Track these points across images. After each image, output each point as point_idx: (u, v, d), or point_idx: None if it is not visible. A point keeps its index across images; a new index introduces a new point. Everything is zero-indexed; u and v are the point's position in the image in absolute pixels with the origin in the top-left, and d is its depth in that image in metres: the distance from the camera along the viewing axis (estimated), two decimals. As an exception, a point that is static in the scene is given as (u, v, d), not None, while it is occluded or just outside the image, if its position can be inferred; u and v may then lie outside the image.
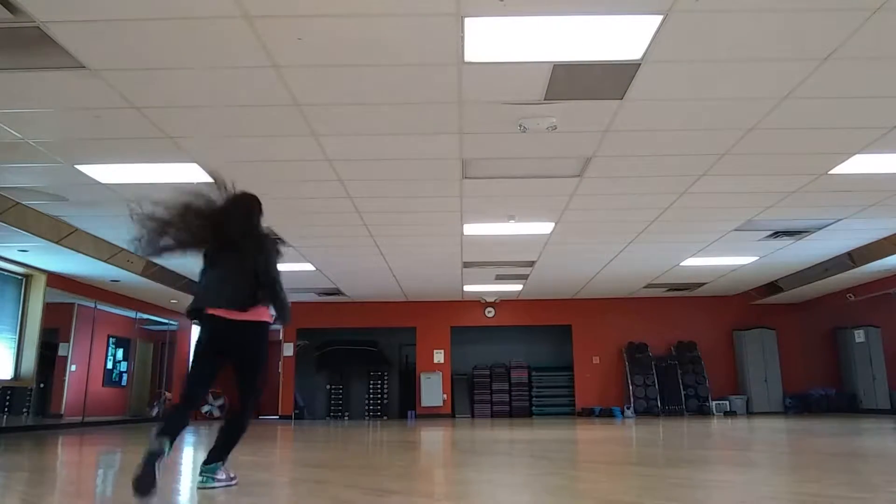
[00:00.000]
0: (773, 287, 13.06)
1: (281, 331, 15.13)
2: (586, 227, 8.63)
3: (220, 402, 15.99)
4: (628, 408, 14.00)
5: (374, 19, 3.78)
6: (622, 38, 4.03)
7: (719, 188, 6.92)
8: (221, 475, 3.62)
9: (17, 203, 7.16)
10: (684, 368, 14.23)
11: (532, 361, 15.10)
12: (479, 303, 14.90)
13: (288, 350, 14.85)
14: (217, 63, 4.24)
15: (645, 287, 13.37)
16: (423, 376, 14.57)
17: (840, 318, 13.17)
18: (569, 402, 14.65)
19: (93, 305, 11.84)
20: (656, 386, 14.08)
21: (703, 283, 13.04)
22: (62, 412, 11.40)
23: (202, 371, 3.87)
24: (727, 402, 13.88)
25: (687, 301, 14.58)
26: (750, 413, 13.79)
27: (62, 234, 8.14)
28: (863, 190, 7.03)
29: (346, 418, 15.11)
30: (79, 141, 5.51)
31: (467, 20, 3.80)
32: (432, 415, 14.42)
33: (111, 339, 12.93)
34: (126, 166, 6.12)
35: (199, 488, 3.52)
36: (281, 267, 3.87)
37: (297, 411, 14.80)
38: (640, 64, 4.31)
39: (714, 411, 13.79)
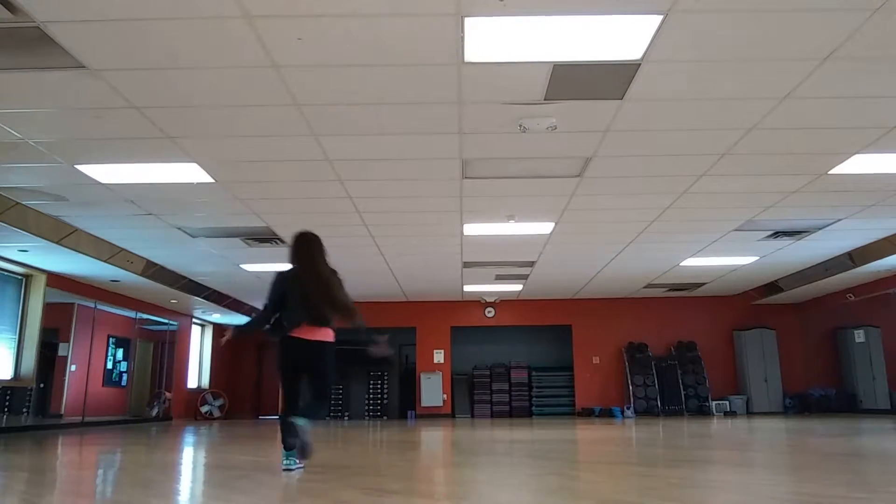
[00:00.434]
0: (773, 287, 13.06)
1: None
2: (586, 227, 8.63)
3: (219, 402, 16.00)
4: (628, 408, 14.00)
5: (374, 19, 3.78)
6: (622, 38, 4.03)
7: (719, 188, 6.92)
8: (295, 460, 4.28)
9: (17, 203, 7.16)
10: (684, 368, 14.23)
11: (532, 361, 15.11)
12: (479, 303, 14.90)
13: (288, 350, 14.80)
14: (217, 63, 4.24)
15: (645, 287, 13.37)
16: (423, 376, 14.57)
17: (840, 318, 13.17)
18: (569, 402, 14.66)
19: (93, 305, 11.84)
20: (656, 386, 14.08)
21: (703, 283, 13.04)
22: (62, 412, 11.40)
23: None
24: (727, 403, 13.88)
25: (687, 301, 14.58)
26: (750, 413, 13.80)
27: (62, 234, 8.14)
28: (863, 190, 7.03)
29: (346, 418, 15.11)
30: (79, 141, 5.51)
31: (467, 20, 3.80)
32: (432, 415, 14.43)
33: (111, 339, 12.93)
34: (126, 166, 6.12)
35: (283, 470, 4.16)
36: (285, 267, 4.57)
37: (297, 411, 14.77)
38: (640, 64, 4.31)
39: (714, 411, 13.80)
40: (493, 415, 14.65)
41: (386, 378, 15.33)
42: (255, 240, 9.01)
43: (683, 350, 14.44)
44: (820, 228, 8.64)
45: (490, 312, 14.97)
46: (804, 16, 3.79)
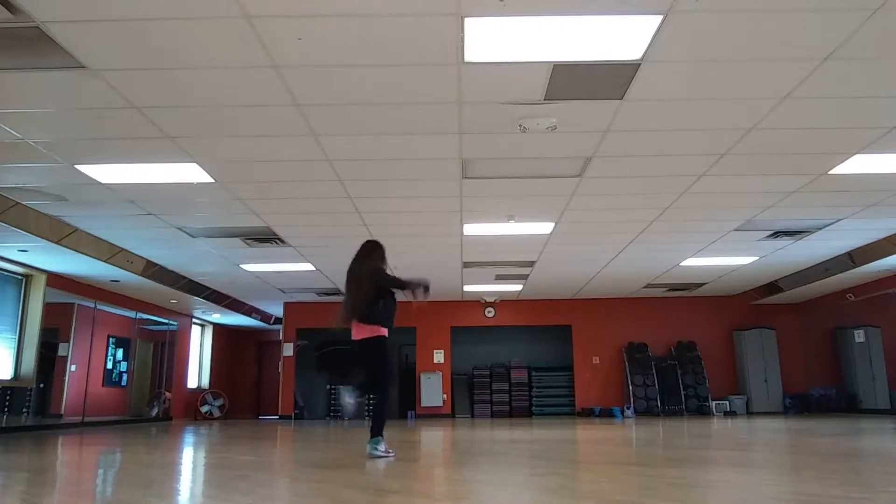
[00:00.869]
0: (773, 287, 13.06)
1: (281, 331, 15.15)
2: (586, 227, 8.63)
3: (219, 402, 16.00)
4: (628, 408, 14.00)
5: (374, 19, 3.79)
6: (622, 38, 4.03)
7: (719, 188, 6.93)
8: (382, 447, 4.97)
9: (17, 203, 7.16)
10: (684, 368, 14.23)
11: (532, 361, 15.11)
12: (479, 303, 14.90)
13: (288, 350, 14.85)
14: (217, 63, 4.24)
15: (645, 287, 13.37)
16: (423, 376, 14.57)
17: (840, 318, 13.18)
18: (569, 402, 14.66)
19: (93, 305, 11.85)
20: (656, 386, 14.08)
21: (703, 283, 13.04)
22: (62, 412, 11.41)
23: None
24: (727, 402, 13.88)
25: (687, 301, 14.59)
26: (750, 413, 13.80)
27: (62, 234, 8.15)
28: (863, 190, 7.03)
29: (346, 418, 15.10)
30: (79, 141, 5.51)
31: (467, 20, 3.80)
32: (432, 415, 14.43)
33: (111, 339, 12.94)
34: (126, 166, 6.12)
35: (368, 456, 4.83)
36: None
37: (297, 411, 14.80)
38: (640, 64, 4.31)
39: (714, 411, 13.80)
40: (493, 415, 14.65)
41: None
42: (255, 240, 9.02)
43: (683, 350, 14.44)
44: (820, 228, 8.64)
45: (490, 312, 14.97)
46: (804, 16, 3.79)
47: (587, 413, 14.18)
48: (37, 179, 6.46)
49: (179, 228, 8.36)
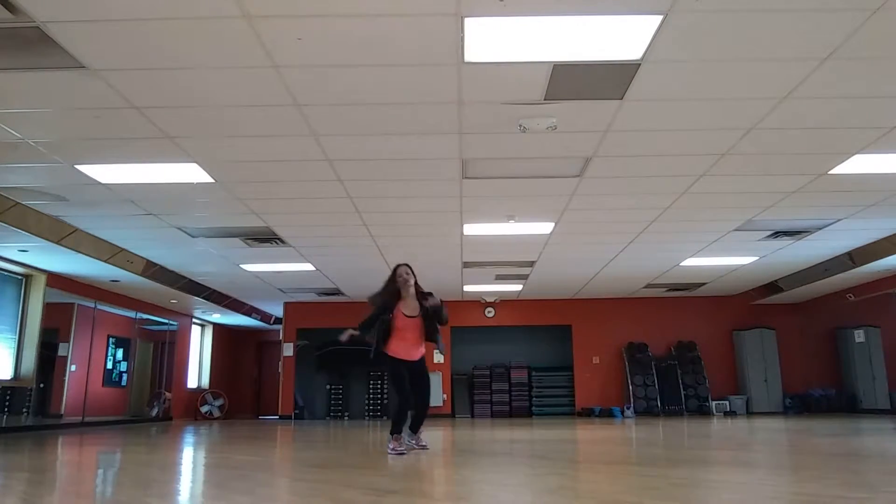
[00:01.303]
0: (773, 287, 13.06)
1: (281, 331, 15.14)
2: (586, 227, 8.63)
3: (219, 402, 16.00)
4: (628, 408, 14.00)
5: (373, 19, 3.78)
6: (622, 38, 4.03)
7: (719, 188, 6.93)
8: (422, 440, 5.84)
9: (17, 203, 7.16)
10: (684, 368, 14.23)
11: (532, 361, 15.11)
12: (479, 303, 14.90)
13: (288, 350, 14.85)
14: (217, 63, 4.24)
15: (645, 287, 13.37)
16: (422, 376, 14.54)
17: (840, 318, 13.17)
18: (569, 402, 14.66)
19: (93, 305, 11.84)
20: (656, 386, 14.08)
21: (703, 283, 13.04)
22: (62, 412, 11.41)
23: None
24: (727, 403, 13.88)
25: (687, 301, 14.58)
26: (750, 413, 13.79)
27: (62, 234, 8.15)
28: (863, 190, 7.03)
29: (346, 418, 15.11)
30: (79, 141, 5.51)
31: (467, 20, 3.80)
32: (432, 415, 14.39)
33: (111, 339, 12.94)
34: (126, 166, 6.12)
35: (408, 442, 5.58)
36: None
37: (297, 411, 14.81)
38: (640, 64, 4.31)
39: (714, 411, 13.80)
40: (493, 415, 14.65)
41: (386, 378, 15.32)
42: (255, 240, 9.02)
43: (683, 350, 14.44)
44: (820, 228, 8.64)
45: (490, 312, 14.97)
46: (804, 16, 3.79)
47: (587, 413, 14.18)
48: (37, 179, 6.46)
49: (179, 228, 8.36)
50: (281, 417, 14.74)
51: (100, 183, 6.48)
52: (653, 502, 2.97)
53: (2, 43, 3.94)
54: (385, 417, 14.97)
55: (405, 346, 5.63)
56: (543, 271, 11.48)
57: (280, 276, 11.78)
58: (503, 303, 14.92)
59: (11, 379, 9.66)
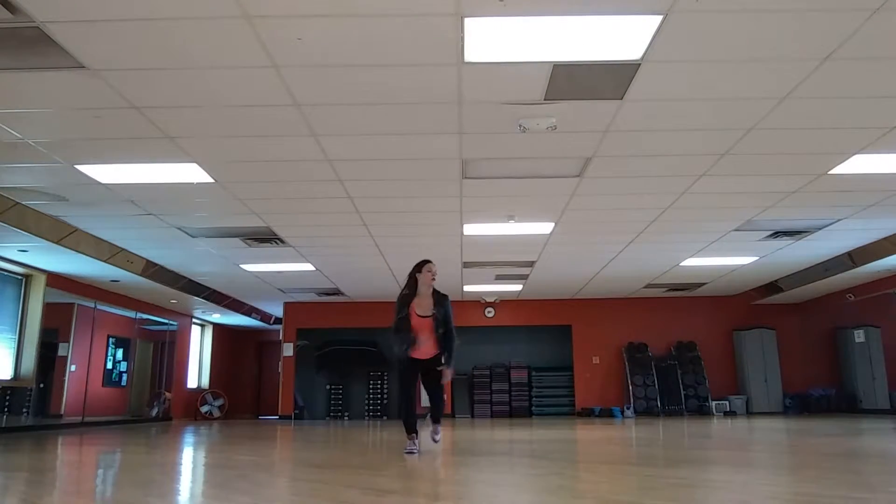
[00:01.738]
0: (773, 287, 13.06)
1: (281, 331, 15.15)
2: (586, 227, 8.63)
3: (219, 402, 16.00)
4: (628, 408, 14.00)
5: (373, 19, 3.78)
6: (622, 38, 4.03)
7: (719, 188, 6.92)
8: (438, 433, 5.87)
9: (17, 203, 7.16)
10: (684, 368, 14.23)
11: (532, 361, 15.11)
12: (479, 303, 14.90)
13: (288, 350, 14.84)
14: (217, 63, 4.24)
15: (645, 287, 13.37)
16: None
17: (840, 318, 13.17)
18: (569, 402, 14.66)
19: (93, 305, 11.84)
20: (656, 386, 14.08)
21: (703, 283, 13.04)
22: (62, 412, 11.40)
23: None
24: (727, 402, 13.88)
25: (687, 301, 14.58)
26: (750, 413, 13.80)
27: (62, 234, 8.14)
28: (863, 190, 7.03)
29: (346, 418, 15.11)
30: (79, 141, 5.51)
31: (467, 20, 3.80)
32: (432, 415, 14.41)
33: (111, 339, 12.93)
34: (126, 166, 6.12)
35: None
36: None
37: (297, 411, 14.81)
38: (640, 64, 4.31)
39: (714, 411, 13.80)
40: (493, 415, 14.65)
41: (386, 378, 15.34)
42: (255, 240, 9.02)
43: (683, 350, 14.44)
44: (820, 228, 8.64)
45: (490, 312, 14.97)
46: (804, 16, 3.79)
47: (587, 413, 14.17)
48: (37, 179, 6.46)
49: (179, 228, 8.36)
50: (281, 417, 14.74)
51: (100, 183, 6.48)
52: (653, 502, 2.97)
53: (2, 43, 3.94)
54: (385, 417, 14.98)
55: (417, 344, 5.48)
56: (543, 271, 11.48)
57: (280, 276, 11.78)
58: (503, 303, 14.92)
59: (11, 379, 9.66)
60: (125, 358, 13.40)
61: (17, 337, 9.73)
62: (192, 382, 16.25)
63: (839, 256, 10.40)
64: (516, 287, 13.27)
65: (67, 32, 3.86)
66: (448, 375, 5.55)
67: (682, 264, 11.05)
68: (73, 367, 11.65)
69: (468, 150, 5.84)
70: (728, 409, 13.80)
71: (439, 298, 5.58)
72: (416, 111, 5.02)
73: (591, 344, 14.69)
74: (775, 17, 3.80)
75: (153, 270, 10.52)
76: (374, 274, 11.43)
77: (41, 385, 10.59)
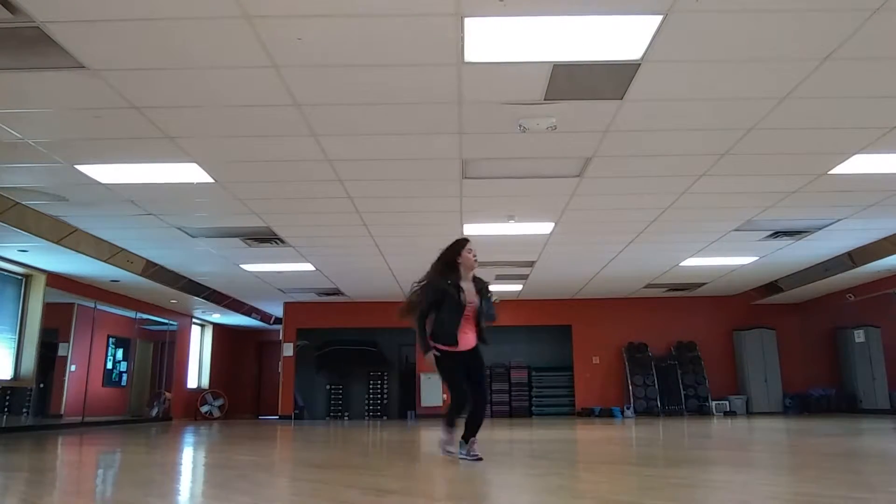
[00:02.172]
0: (773, 287, 13.06)
1: (281, 331, 15.14)
2: (586, 227, 8.63)
3: (219, 402, 16.00)
4: (628, 408, 14.00)
5: (373, 19, 3.78)
6: (622, 38, 4.03)
7: (719, 188, 6.92)
8: (464, 450, 4.72)
9: (17, 203, 7.16)
10: (684, 368, 14.23)
11: (532, 361, 15.11)
12: (478, 303, 14.86)
13: (288, 350, 14.84)
14: (217, 63, 4.24)
15: (645, 287, 13.37)
16: (423, 376, 14.57)
17: (840, 318, 13.17)
18: (569, 402, 14.66)
19: (93, 305, 11.84)
20: (656, 386, 14.08)
21: (703, 283, 13.04)
22: (62, 412, 11.40)
23: None
24: (727, 402, 13.88)
25: (687, 301, 14.58)
26: (749, 413, 13.80)
27: (62, 234, 8.14)
28: (863, 190, 7.03)
29: (346, 418, 15.11)
30: (79, 141, 5.51)
31: (467, 20, 3.80)
32: (432, 415, 14.42)
33: (111, 339, 12.93)
34: (126, 166, 6.12)
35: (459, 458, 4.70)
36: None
37: (297, 411, 14.81)
38: (640, 64, 4.31)
39: (714, 411, 13.80)
40: (493, 415, 14.64)
41: (386, 378, 15.34)
42: (255, 240, 9.02)
43: (683, 350, 14.44)
44: (820, 228, 8.64)
45: (490, 312, 14.93)
46: (804, 16, 3.79)
47: (587, 413, 14.17)
48: (37, 179, 6.46)
49: (179, 228, 8.35)
50: (281, 417, 14.74)
51: (100, 183, 6.48)
52: (653, 502, 2.97)
53: (2, 43, 3.94)
54: (385, 417, 14.98)
55: (461, 334, 4.77)
56: (543, 271, 11.48)
57: (280, 276, 11.78)
58: (503, 303, 14.86)
59: (11, 379, 9.66)
60: (125, 358, 13.40)
61: (17, 337, 9.73)
62: (192, 382, 16.25)
63: (839, 256, 10.40)
64: (516, 287, 13.27)
65: (67, 32, 3.86)
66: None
67: (682, 264, 11.05)
68: (73, 367, 11.65)
69: (468, 150, 5.84)
70: (728, 409, 13.80)
71: (481, 285, 4.93)
72: (416, 111, 5.02)
73: (591, 344, 14.68)
74: (775, 17, 3.80)
75: (153, 270, 10.52)
76: (374, 274, 11.43)
77: (41, 385, 10.59)
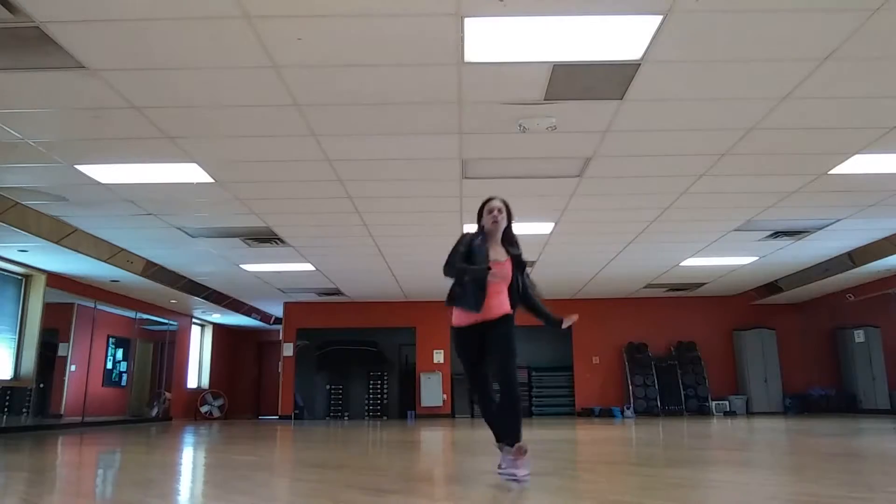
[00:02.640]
0: (773, 287, 13.06)
1: (281, 331, 15.14)
2: (586, 227, 8.63)
3: (219, 402, 16.00)
4: (628, 408, 14.00)
5: (374, 19, 3.79)
6: (622, 38, 4.03)
7: (719, 188, 6.92)
8: (519, 466, 3.65)
9: (17, 203, 7.16)
10: (684, 368, 14.23)
11: (532, 361, 15.09)
12: (478, 303, 14.86)
13: (288, 350, 14.84)
14: (217, 63, 4.24)
15: (645, 287, 13.37)
16: (422, 376, 14.57)
17: (840, 318, 13.17)
18: (569, 402, 14.65)
19: (93, 305, 11.84)
20: (656, 386, 14.08)
21: (703, 283, 13.04)
22: (62, 412, 11.40)
23: None
24: (727, 403, 13.88)
25: (687, 301, 14.58)
26: (749, 413, 13.80)
27: (62, 234, 8.14)
28: (863, 190, 7.03)
29: (345, 418, 15.11)
30: (79, 141, 5.51)
31: (467, 20, 3.80)
32: (432, 415, 14.42)
33: (111, 339, 12.93)
34: (126, 166, 6.12)
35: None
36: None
37: (296, 411, 14.81)
38: (640, 64, 4.31)
39: (714, 411, 13.80)
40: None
41: (386, 378, 15.34)
42: (255, 240, 9.02)
43: (683, 350, 14.44)
44: (820, 228, 8.64)
45: (490, 312, 14.93)
46: (804, 16, 3.79)
47: (587, 413, 14.17)
48: (37, 179, 6.46)
49: (179, 228, 8.35)
50: (281, 417, 14.74)
51: (100, 183, 6.48)
52: (653, 502, 2.97)
53: (2, 43, 3.94)
54: (385, 417, 14.98)
55: (487, 299, 3.90)
56: (543, 271, 11.47)
57: (280, 276, 11.78)
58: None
59: (11, 379, 9.65)
60: (125, 358, 13.39)
61: (17, 337, 9.72)
62: (191, 382, 16.25)
63: (839, 256, 10.40)
64: (516, 287, 13.24)
65: (67, 32, 3.86)
66: (573, 318, 4.22)
67: (682, 264, 11.05)
68: (72, 367, 11.65)
69: (468, 150, 5.84)
70: (728, 410, 13.80)
71: (519, 261, 4.12)
72: (416, 111, 5.02)
73: (591, 344, 14.68)
74: (775, 17, 3.80)
75: (153, 270, 10.52)
76: (374, 274, 11.43)
77: (41, 385, 10.58)
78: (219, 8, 3.64)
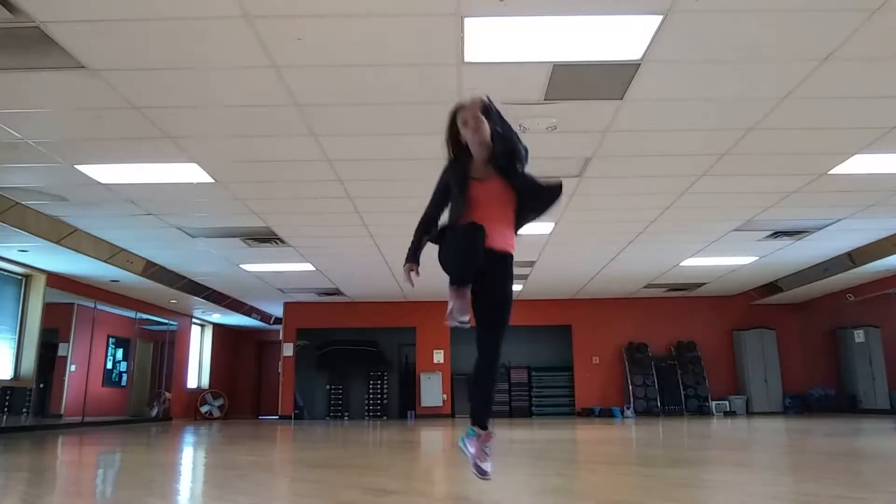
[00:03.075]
0: (773, 287, 13.06)
1: (281, 331, 15.14)
2: (586, 227, 8.63)
3: (219, 402, 16.00)
4: (628, 408, 14.00)
5: (374, 19, 3.79)
6: (622, 38, 4.03)
7: (719, 188, 6.92)
8: (471, 446, 3.12)
9: (17, 203, 7.16)
10: (684, 368, 14.23)
11: (532, 361, 15.09)
12: (479, 303, 14.85)
13: (288, 350, 14.84)
14: (217, 63, 4.24)
15: (645, 287, 13.36)
16: (422, 376, 14.57)
17: (840, 318, 13.17)
18: (569, 402, 14.65)
19: (92, 305, 11.84)
20: (656, 386, 14.08)
21: (703, 283, 13.04)
22: (62, 412, 11.40)
23: None
24: (727, 403, 13.88)
25: (687, 301, 14.57)
26: (749, 413, 13.80)
27: (62, 234, 8.14)
28: (863, 190, 7.02)
29: (345, 418, 15.11)
30: (79, 141, 5.51)
31: (467, 20, 3.80)
32: (432, 415, 14.42)
33: (111, 339, 12.93)
34: (126, 166, 6.12)
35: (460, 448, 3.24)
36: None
37: (296, 411, 14.80)
38: (640, 64, 4.31)
39: (714, 411, 13.80)
40: (493, 415, 14.62)
41: (386, 378, 15.34)
42: (255, 240, 9.01)
43: (683, 350, 14.44)
44: (820, 228, 8.64)
45: (490, 312, 14.92)
46: (804, 16, 3.79)
47: (587, 413, 14.17)
48: (37, 179, 6.46)
49: (179, 228, 8.35)
50: (281, 417, 14.73)
51: (100, 183, 6.48)
52: (653, 502, 2.97)
53: (2, 43, 3.94)
54: (385, 417, 14.97)
55: (487, 225, 3.23)
56: (543, 271, 11.48)
57: (280, 276, 11.78)
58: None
59: (11, 379, 9.65)
60: (125, 358, 13.39)
61: (17, 337, 9.72)
62: (191, 382, 16.24)
63: (839, 256, 10.40)
64: (516, 287, 13.26)
65: (67, 32, 3.86)
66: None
67: (682, 264, 11.05)
68: (72, 367, 11.65)
69: (468, 150, 5.83)
70: (728, 410, 13.79)
71: (509, 146, 3.46)
72: (416, 111, 5.02)
73: (591, 344, 14.68)
74: (775, 16, 3.80)
75: (153, 270, 10.52)
76: (374, 274, 11.42)
77: (41, 385, 10.58)
78: (219, 8, 3.64)
